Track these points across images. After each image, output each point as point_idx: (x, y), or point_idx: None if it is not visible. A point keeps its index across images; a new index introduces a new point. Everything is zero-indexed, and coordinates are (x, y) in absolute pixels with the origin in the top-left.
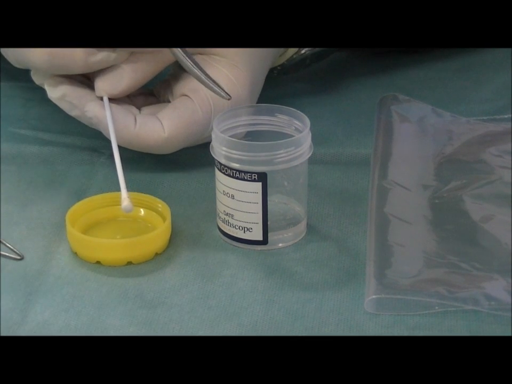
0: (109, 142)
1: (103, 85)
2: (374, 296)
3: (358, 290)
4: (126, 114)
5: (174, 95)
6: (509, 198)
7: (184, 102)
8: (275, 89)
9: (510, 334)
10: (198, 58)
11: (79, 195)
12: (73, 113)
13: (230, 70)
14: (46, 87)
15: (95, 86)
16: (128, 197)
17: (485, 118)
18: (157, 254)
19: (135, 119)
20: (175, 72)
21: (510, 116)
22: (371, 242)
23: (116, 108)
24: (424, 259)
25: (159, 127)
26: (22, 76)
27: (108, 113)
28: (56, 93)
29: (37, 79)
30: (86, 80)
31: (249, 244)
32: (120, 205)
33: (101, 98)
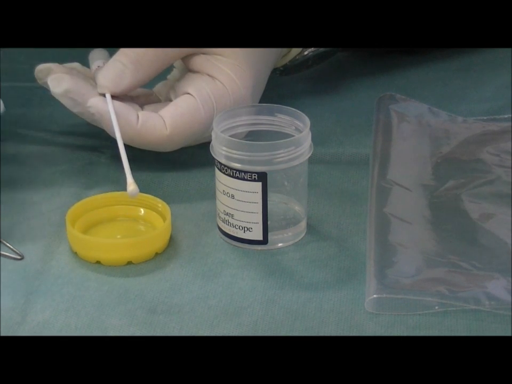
0: (109, 141)
1: (105, 82)
2: (374, 296)
3: (358, 290)
4: (128, 110)
5: (176, 93)
6: (508, 197)
7: (186, 100)
8: (275, 89)
9: (510, 334)
10: (201, 58)
11: (79, 195)
12: (76, 110)
13: (233, 70)
14: (49, 83)
15: (97, 83)
16: (133, 182)
17: (484, 117)
18: (157, 254)
19: (138, 115)
20: (177, 71)
21: (510, 115)
22: (371, 242)
23: (119, 104)
24: (425, 259)
25: (161, 124)
26: (22, 75)
27: (110, 108)
28: (59, 88)
29: (40, 77)
30: (89, 77)
31: (249, 243)
32: (126, 189)
33: (104, 95)
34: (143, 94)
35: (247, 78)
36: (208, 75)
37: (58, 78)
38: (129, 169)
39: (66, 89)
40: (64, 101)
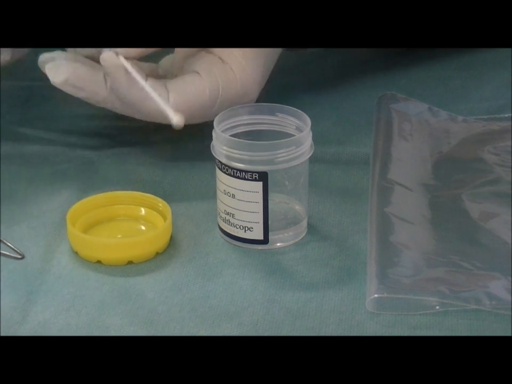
0: (109, 141)
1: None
2: (375, 296)
3: (358, 290)
4: (137, 73)
5: (184, 70)
6: (508, 196)
7: (194, 78)
8: (276, 89)
9: (511, 334)
10: (209, 56)
11: (80, 194)
12: (80, 95)
13: (245, 57)
14: (47, 73)
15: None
16: (176, 113)
17: (485, 117)
18: (157, 253)
19: (146, 80)
20: (187, 50)
21: (510, 115)
22: (372, 241)
23: (130, 65)
24: (425, 258)
25: (165, 97)
26: (22, 75)
27: (124, 63)
28: (58, 78)
29: (43, 66)
30: (88, 59)
31: (249, 243)
32: (171, 121)
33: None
34: (148, 70)
35: (257, 67)
36: (220, 58)
37: (56, 67)
38: (163, 102)
39: (65, 78)
40: (66, 90)
